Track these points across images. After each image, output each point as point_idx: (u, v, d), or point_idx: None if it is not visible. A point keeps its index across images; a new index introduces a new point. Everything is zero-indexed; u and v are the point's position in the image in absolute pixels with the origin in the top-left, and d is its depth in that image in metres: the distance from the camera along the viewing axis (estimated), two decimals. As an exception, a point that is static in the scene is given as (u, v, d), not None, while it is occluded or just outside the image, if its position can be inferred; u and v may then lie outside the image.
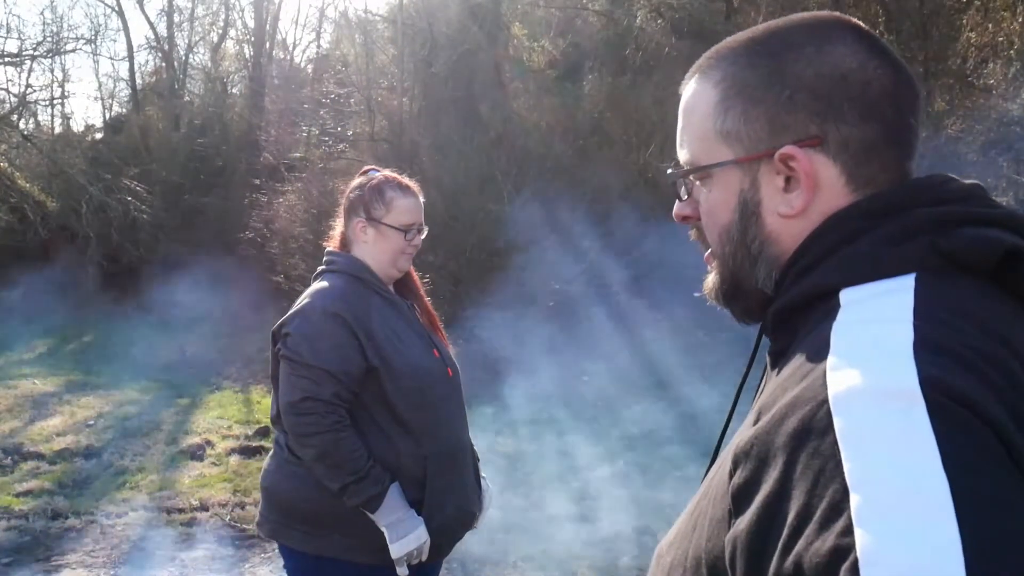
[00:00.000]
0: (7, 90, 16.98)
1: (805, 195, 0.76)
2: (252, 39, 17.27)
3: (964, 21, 8.82)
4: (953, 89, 8.67)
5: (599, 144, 9.87)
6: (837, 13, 0.82)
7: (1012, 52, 8.47)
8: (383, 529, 1.98)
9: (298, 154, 12.93)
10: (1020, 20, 8.58)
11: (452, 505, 2.12)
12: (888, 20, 8.93)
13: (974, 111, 8.45)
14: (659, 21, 10.82)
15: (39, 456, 6.03)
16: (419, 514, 2.03)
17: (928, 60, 8.59)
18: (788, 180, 0.77)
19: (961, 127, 8.43)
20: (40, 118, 18.80)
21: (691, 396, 7.10)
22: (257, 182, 12.43)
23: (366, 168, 2.28)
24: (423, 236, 2.23)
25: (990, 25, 8.73)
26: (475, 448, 2.32)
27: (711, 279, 0.87)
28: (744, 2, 9.98)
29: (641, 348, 8.38)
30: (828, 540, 0.53)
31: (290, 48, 18.79)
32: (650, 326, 8.48)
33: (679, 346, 7.96)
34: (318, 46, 18.43)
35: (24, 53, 16.66)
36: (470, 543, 4.10)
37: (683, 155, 0.85)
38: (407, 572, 2.03)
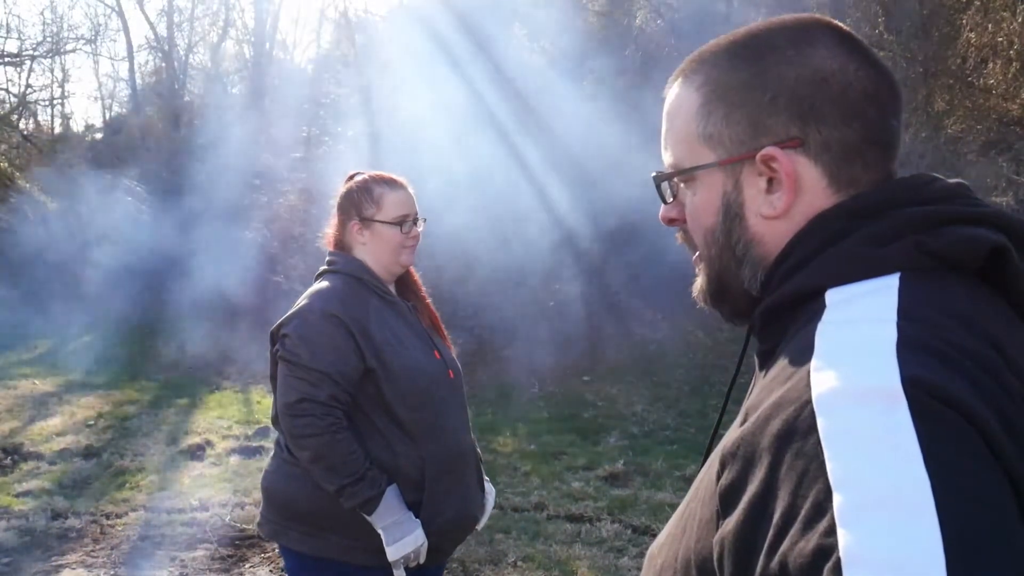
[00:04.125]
0: (7, 90, 17.02)
1: (787, 196, 0.77)
2: (252, 39, 17.29)
3: (964, 21, 8.81)
4: (953, 89, 8.66)
5: (599, 144, 9.87)
6: (818, 15, 0.83)
7: (1012, 52, 8.46)
8: (380, 531, 1.97)
9: (298, 154, 12.93)
10: (1020, 20, 8.57)
11: (452, 508, 2.11)
12: (888, 20, 8.93)
13: (974, 111, 8.44)
14: (659, 21, 10.82)
15: (39, 456, 6.03)
16: (417, 516, 2.03)
17: (928, 60, 8.58)
18: (770, 182, 0.78)
19: (961, 127, 8.42)
20: (40, 118, 18.83)
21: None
22: (257, 182, 12.45)
23: (352, 172, 2.27)
24: (421, 228, 2.22)
25: (990, 25, 8.71)
26: (478, 450, 2.31)
27: (699, 281, 0.87)
28: (744, 2, 9.97)
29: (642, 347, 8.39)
30: (812, 540, 0.53)
31: (290, 48, 18.82)
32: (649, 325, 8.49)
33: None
34: (318, 46, 18.46)
35: (24, 53, 16.71)
36: (470, 543, 4.10)
37: (667, 158, 0.86)
38: (404, 574, 2.02)
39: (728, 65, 0.80)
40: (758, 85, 0.78)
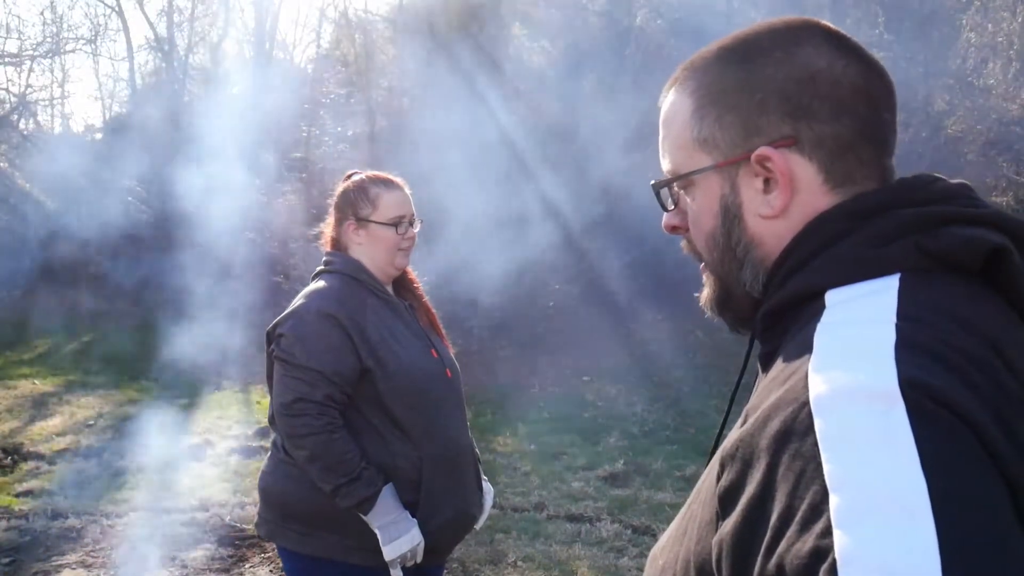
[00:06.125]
0: (7, 90, 16.99)
1: (783, 194, 0.77)
2: (252, 39, 17.29)
3: (964, 21, 8.81)
4: (953, 89, 8.66)
5: (599, 145, 9.88)
6: (806, 17, 0.83)
7: (1012, 52, 8.46)
8: (376, 531, 1.97)
9: (298, 154, 12.93)
10: (1020, 20, 8.58)
11: (450, 507, 2.11)
12: (888, 20, 8.93)
13: (974, 111, 8.44)
14: (659, 21, 10.83)
15: (39, 456, 6.03)
16: (415, 516, 2.03)
17: (928, 60, 8.58)
18: (767, 182, 0.78)
19: (961, 127, 8.42)
20: (40, 118, 18.82)
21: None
22: (258, 182, 12.44)
23: (349, 172, 2.27)
24: (417, 229, 2.22)
25: (990, 25, 8.72)
26: (476, 449, 2.31)
27: (706, 291, 0.88)
28: (744, 3, 9.98)
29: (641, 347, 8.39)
30: (808, 541, 0.53)
31: (290, 48, 18.82)
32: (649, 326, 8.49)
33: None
34: (318, 46, 18.45)
35: (24, 53, 16.69)
36: (470, 543, 4.10)
37: (665, 165, 0.86)
38: (401, 574, 2.02)
39: (718, 70, 0.81)
40: (748, 87, 0.78)
